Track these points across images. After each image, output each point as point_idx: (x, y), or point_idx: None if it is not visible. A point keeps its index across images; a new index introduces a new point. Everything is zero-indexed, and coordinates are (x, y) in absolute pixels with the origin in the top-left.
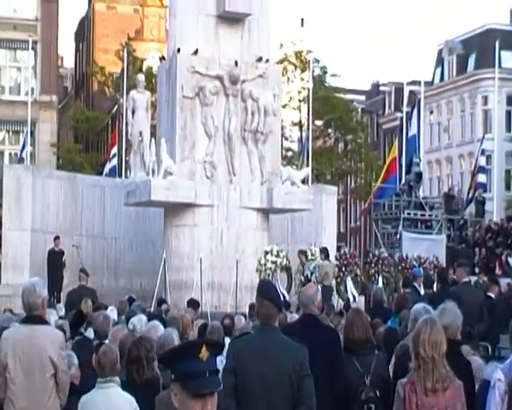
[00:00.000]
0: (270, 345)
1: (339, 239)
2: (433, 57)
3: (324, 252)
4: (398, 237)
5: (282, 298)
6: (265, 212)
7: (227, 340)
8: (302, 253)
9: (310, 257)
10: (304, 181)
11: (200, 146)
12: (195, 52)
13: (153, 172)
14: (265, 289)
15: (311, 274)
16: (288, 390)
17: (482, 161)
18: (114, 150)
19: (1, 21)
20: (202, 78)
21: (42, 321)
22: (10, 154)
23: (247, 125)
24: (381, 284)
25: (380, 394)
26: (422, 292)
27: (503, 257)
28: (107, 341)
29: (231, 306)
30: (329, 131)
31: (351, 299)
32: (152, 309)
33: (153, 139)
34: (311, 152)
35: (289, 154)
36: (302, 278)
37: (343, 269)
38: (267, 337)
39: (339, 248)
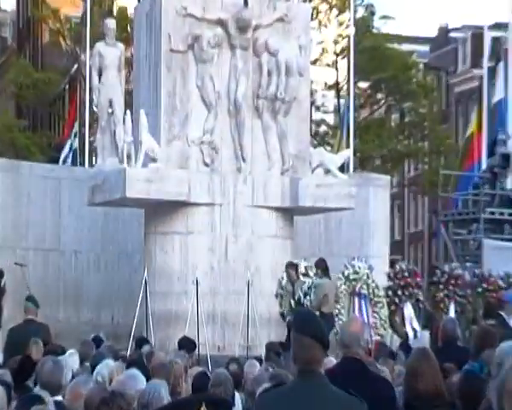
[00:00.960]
0: (315, 402)
1: (393, 250)
2: None
3: (321, 265)
4: (476, 246)
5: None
6: (288, 213)
7: (237, 396)
8: (292, 266)
9: (305, 272)
10: (343, 168)
11: (195, 120)
12: None
13: (128, 157)
14: (306, 322)
15: (305, 296)
16: None
17: None
18: (74, 128)
19: None
20: (198, 23)
21: None
22: None
23: (261, 90)
24: (453, 314)
25: None
26: None
27: None
28: (59, 398)
29: (241, 346)
30: (379, 96)
31: (410, 335)
32: (128, 352)
33: (128, 111)
34: (354, 127)
35: (322, 129)
36: (292, 302)
37: (399, 292)
38: (311, 390)
39: (393, 264)
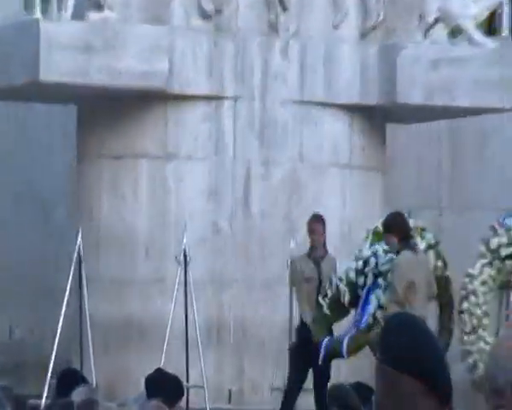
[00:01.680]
0: None
1: None
2: None
3: (395, 226)
4: None
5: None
6: (375, 118)
7: None
8: (395, 224)
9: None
10: (491, 26)
11: None
12: None
13: None
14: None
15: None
16: None
17: None
18: None
19: None
20: None
21: None
22: None
23: None
24: None
25: None
26: None
27: None
28: None
29: (274, 390)
30: None
31: None
32: (43, 402)
33: None
34: None
35: None
36: (327, 297)
37: None
38: None
39: None
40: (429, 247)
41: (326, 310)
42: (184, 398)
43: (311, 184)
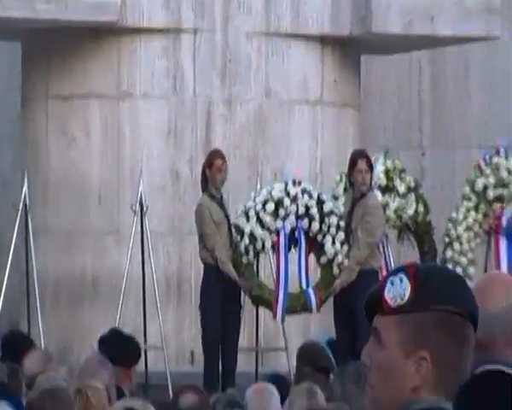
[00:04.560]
0: None
1: None
2: None
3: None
4: None
5: None
6: (348, 49)
7: None
8: (361, 160)
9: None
10: None
11: None
12: None
13: None
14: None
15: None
16: None
17: None
18: None
19: None
20: None
21: None
22: None
23: None
24: None
25: None
26: None
27: None
28: None
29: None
30: None
31: None
32: None
33: None
34: None
35: None
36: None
37: None
38: None
39: None
40: (409, 190)
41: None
42: (142, 360)
43: (278, 123)
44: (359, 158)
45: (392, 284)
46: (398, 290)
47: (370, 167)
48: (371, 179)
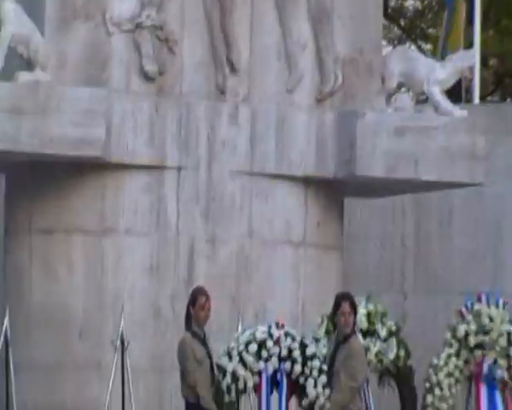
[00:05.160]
0: None
1: None
2: None
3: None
4: None
5: None
6: (333, 192)
7: None
8: (344, 303)
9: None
10: (458, 93)
11: None
12: None
13: None
14: None
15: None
16: None
17: None
18: None
19: None
20: None
21: None
22: None
23: None
24: None
25: None
26: None
27: None
28: None
29: None
30: None
31: None
32: None
33: None
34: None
35: (410, 6)
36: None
37: None
38: None
39: None
40: (390, 334)
41: None
42: None
43: (261, 263)
44: (343, 301)
45: None
46: None
47: (354, 310)
48: (354, 322)
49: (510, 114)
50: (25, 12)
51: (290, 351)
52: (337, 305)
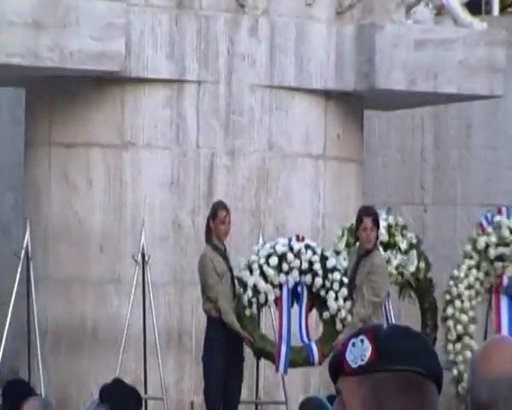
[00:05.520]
0: None
1: None
2: None
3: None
4: None
5: None
6: (352, 104)
7: None
8: (366, 217)
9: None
10: (477, 4)
11: None
12: None
13: None
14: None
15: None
16: None
17: None
18: None
19: None
20: None
21: None
22: None
23: None
24: None
25: None
26: None
27: None
28: None
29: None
30: None
31: None
32: None
33: None
34: None
35: None
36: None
37: None
38: None
39: None
40: (411, 247)
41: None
42: None
43: (281, 176)
44: (365, 216)
45: (353, 345)
46: (358, 352)
47: (376, 225)
48: (377, 237)
49: None
50: None
51: (311, 264)
52: (359, 220)
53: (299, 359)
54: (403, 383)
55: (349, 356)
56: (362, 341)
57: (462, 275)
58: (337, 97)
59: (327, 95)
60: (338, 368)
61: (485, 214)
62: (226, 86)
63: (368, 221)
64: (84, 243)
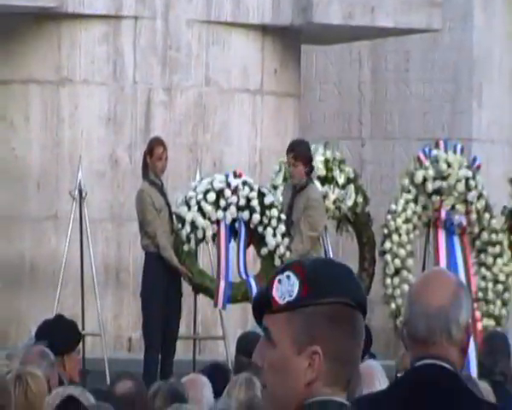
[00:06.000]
0: None
1: None
2: None
3: (300, 157)
4: None
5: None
6: (289, 39)
7: None
8: (299, 152)
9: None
10: None
11: None
12: None
13: None
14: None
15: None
16: None
17: None
18: None
19: None
20: None
21: None
22: None
23: None
24: None
25: None
26: None
27: None
28: None
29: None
30: None
31: None
32: None
33: None
34: None
35: None
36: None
37: None
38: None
39: None
40: (349, 181)
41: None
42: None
43: (218, 111)
44: (289, 151)
45: (279, 282)
46: (286, 288)
47: (302, 160)
48: (309, 172)
49: None
50: None
51: (248, 200)
52: (288, 154)
53: (239, 294)
54: (333, 316)
55: (276, 293)
56: (288, 277)
57: (399, 209)
58: (274, 32)
59: (264, 30)
60: (263, 306)
61: (424, 148)
62: (163, 22)
63: (289, 157)
64: (22, 180)
